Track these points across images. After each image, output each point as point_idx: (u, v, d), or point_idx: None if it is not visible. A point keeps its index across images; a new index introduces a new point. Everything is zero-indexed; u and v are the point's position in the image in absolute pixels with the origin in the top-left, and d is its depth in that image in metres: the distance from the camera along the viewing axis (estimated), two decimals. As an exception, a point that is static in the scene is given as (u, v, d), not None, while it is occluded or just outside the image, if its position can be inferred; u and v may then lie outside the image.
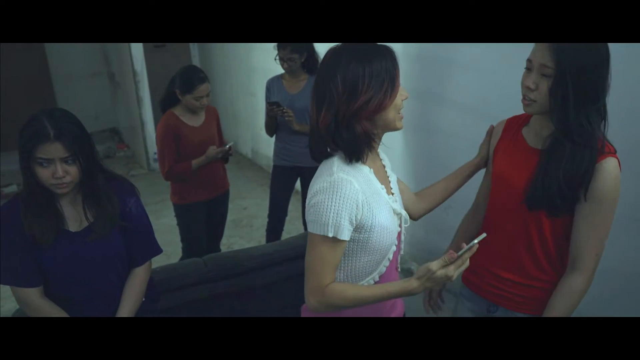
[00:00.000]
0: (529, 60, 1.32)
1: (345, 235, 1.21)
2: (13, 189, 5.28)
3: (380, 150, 1.43)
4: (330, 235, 1.20)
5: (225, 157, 2.90)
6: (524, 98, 1.34)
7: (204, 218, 2.98)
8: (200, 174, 2.78)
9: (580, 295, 1.40)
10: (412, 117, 3.28)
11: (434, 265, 1.14)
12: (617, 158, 1.33)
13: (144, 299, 1.70)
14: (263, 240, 4.14)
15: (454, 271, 1.13)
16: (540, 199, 1.35)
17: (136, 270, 1.67)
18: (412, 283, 1.18)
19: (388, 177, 1.42)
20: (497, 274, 1.53)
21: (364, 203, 1.23)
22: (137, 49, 5.46)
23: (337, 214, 1.19)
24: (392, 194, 1.39)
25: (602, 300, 2.08)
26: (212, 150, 2.73)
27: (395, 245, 1.35)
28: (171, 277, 2.01)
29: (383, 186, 1.33)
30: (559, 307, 1.41)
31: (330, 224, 1.19)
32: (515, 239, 1.47)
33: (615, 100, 1.96)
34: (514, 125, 1.53)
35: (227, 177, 3.06)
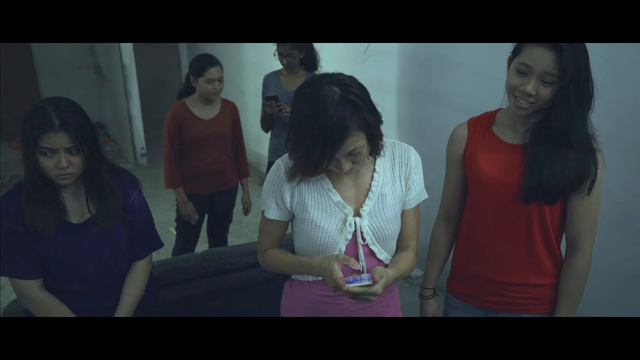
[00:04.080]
0: (526, 65, 1.30)
1: (272, 214, 1.40)
2: (-5, 181, 5.18)
3: (391, 158, 1.39)
4: (262, 209, 1.43)
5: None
6: (520, 101, 1.34)
7: (203, 211, 2.97)
8: (203, 167, 2.77)
9: (586, 275, 1.45)
10: (406, 115, 3.31)
11: (335, 269, 1.20)
12: (595, 139, 1.39)
13: (143, 294, 1.68)
14: (253, 237, 4.12)
15: (337, 288, 1.20)
16: (541, 190, 1.36)
17: (137, 263, 1.65)
18: (314, 267, 1.29)
19: (369, 186, 1.36)
20: (497, 280, 1.51)
21: (294, 193, 1.35)
22: (126, 43, 5.40)
23: (266, 193, 1.40)
24: (361, 201, 1.35)
25: (601, 299, 2.11)
26: (184, 209, 2.80)
27: (341, 252, 1.34)
28: (170, 271, 1.99)
29: (335, 190, 1.34)
30: (571, 290, 1.45)
31: (263, 200, 1.42)
32: (514, 237, 1.46)
33: (613, 101, 2.00)
34: (480, 126, 1.52)
35: (235, 173, 2.99)
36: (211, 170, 2.81)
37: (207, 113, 2.75)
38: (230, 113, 2.86)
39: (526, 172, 1.38)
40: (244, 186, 3.08)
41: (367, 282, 1.20)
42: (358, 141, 1.20)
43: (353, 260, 1.22)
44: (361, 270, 1.32)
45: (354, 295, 1.20)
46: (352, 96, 1.18)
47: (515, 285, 1.50)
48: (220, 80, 2.67)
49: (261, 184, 4.59)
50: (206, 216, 3.06)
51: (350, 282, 1.20)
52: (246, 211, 3.15)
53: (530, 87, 1.30)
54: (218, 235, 3.15)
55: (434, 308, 1.67)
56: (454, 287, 1.65)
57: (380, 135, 1.28)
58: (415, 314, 1.75)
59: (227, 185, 2.96)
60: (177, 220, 2.97)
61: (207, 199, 2.91)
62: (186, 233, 2.96)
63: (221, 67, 2.67)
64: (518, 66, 1.33)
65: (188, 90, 2.77)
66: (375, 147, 1.28)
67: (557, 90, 1.29)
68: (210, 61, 2.63)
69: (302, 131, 1.19)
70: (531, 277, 1.48)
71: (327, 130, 1.15)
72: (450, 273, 1.68)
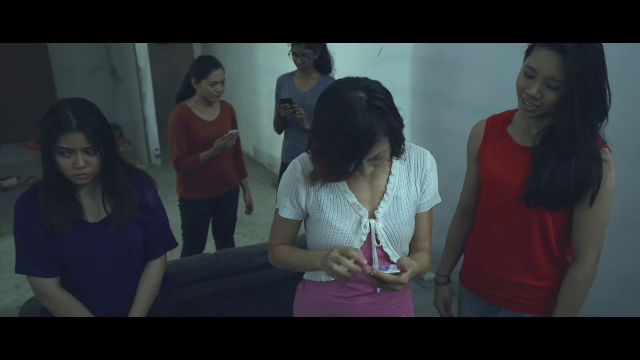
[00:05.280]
0: (531, 69, 1.30)
1: (286, 213, 1.40)
2: (13, 182, 5.25)
3: (407, 161, 1.39)
4: (276, 207, 1.44)
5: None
6: (526, 103, 1.34)
7: (209, 215, 2.97)
8: (208, 169, 2.75)
9: (587, 286, 1.42)
10: (419, 118, 3.30)
11: (341, 258, 1.18)
12: (608, 148, 1.35)
13: (158, 293, 1.69)
14: (266, 238, 4.11)
15: (346, 276, 1.19)
16: (540, 195, 1.36)
17: (152, 263, 1.66)
18: (318, 261, 1.28)
19: (384, 189, 1.37)
20: (499, 277, 1.53)
21: (310, 193, 1.35)
22: (141, 45, 5.48)
23: (281, 192, 1.41)
24: (376, 203, 1.35)
25: (610, 301, 2.09)
26: (218, 141, 2.65)
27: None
28: (183, 271, 2.00)
29: (351, 192, 1.34)
30: (569, 300, 1.43)
31: (277, 198, 1.44)
32: (515, 239, 1.48)
33: (621, 104, 1.98)
34: (496, 124, 1.52)
35: (236, 174, 3.01)
36: (215, 173, 2.80)
37: (209, 115, 2.76)
38: (229, 114, 2.88)
39: (529, 176, 1.38)
40: (244, 186, 3.11)
41: (395, 270, 1.19)
42: (383, 146, 1.21)
43: (352, 250, 1.20)
44: (363, 263, 1.31)
45: (380, 282, 1.18)
46: (378, 102, 1.18)
47: (514, 284, 1.51)
48: (222, 82, 2.67)
49: (273, 185, 4.62)
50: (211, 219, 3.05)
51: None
52: (250, 210, 3.17)
53: (534, 90, 1.30)
54: (225, 237, 3.15)
55: (446, 295, 1.73)
56: (464, 277, 1.69)
57: (402, 139, 1.28)
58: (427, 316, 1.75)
59: (230, 187, 2.96)
60: (183, 226, 2.95)
61: (211, 202, 2.90)
62: (193, 238, 2.96)
63: (223, 70, 2.68)
64: (526, 69, 1.33)
65: (187, 92, 2.75)
66: (397, 150, 1.29)
67: (563, 95, 1.28)
68: (214, 64, 2.63)
69: (329, 138, 1.18)
70: (529, 279, 1.49)
71: (355, 138, 1.15)
72: (462, 264, 1.71)
